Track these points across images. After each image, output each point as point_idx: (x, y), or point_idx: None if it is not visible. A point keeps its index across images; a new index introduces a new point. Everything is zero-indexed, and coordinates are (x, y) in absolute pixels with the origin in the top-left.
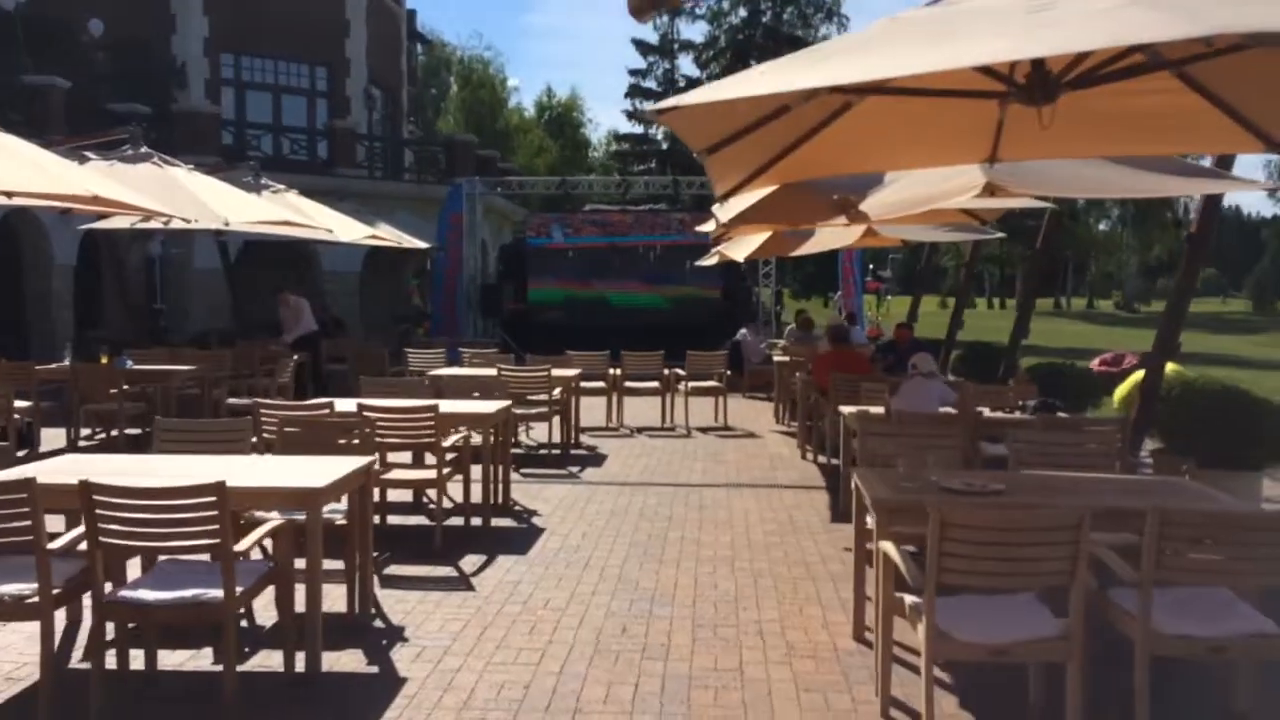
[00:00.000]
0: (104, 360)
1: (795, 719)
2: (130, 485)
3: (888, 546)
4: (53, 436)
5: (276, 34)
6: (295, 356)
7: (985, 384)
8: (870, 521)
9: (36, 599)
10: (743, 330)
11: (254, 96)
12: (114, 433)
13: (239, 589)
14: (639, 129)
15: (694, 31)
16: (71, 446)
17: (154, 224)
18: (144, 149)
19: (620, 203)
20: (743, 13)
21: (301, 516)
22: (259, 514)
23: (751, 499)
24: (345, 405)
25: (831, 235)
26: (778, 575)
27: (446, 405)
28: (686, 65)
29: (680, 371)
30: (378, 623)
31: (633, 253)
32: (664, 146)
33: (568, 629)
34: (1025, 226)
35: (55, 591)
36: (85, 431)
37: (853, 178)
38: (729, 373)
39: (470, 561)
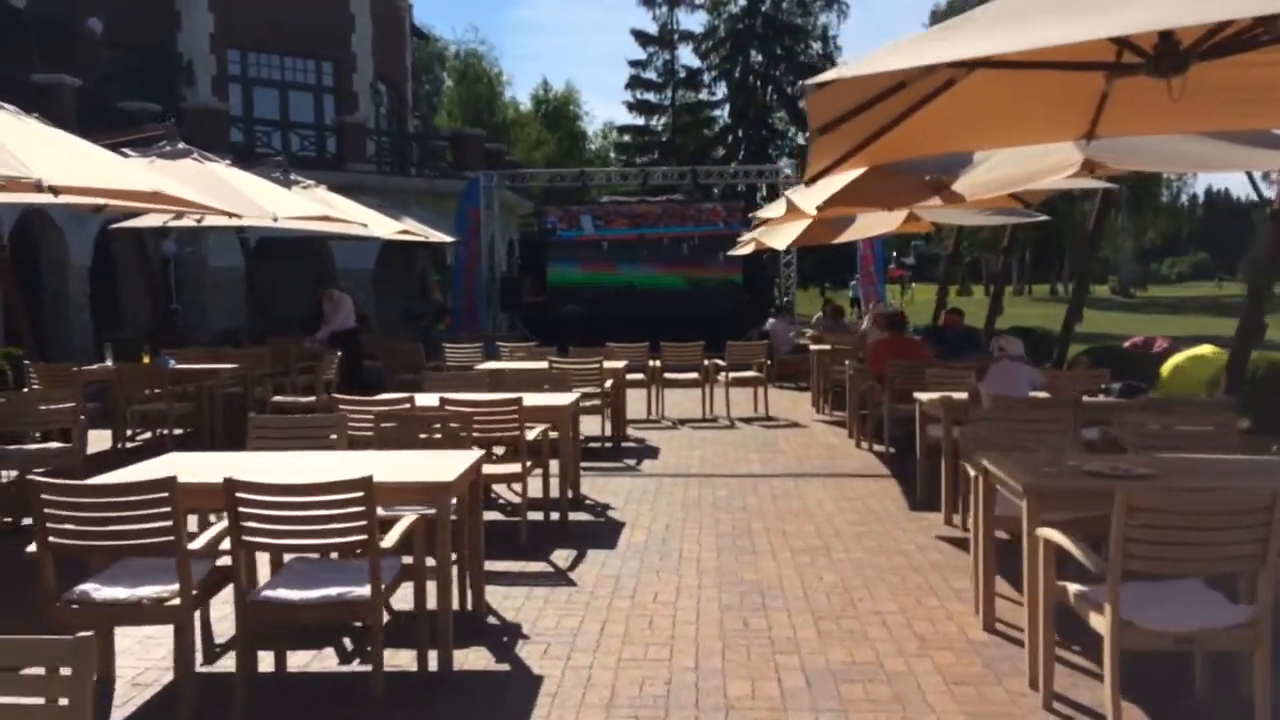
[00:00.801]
0: (145, 360)
1: (953, 713)
2: (275, 483)
3: (1052, 534)
4: (94, 439)
5: (282, 30)
6: (339, 353)
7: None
8: (1010, 509)
9: (177, 601)
10: (771, 319)
11: (261, 93)
12: (162, 432)
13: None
14: (640, 120)
15: (694, 21)
16: (117, 448)
17: (185, 221)
18: (181, 144)
19: (638, 194)
20: (742, 2)
21: (427, 512)
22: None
23: (820, 488)
24: (426, 400)
25: (873, 221)
26: (879, 566)
27: (527, 399)
28: (686, 55)
29: (720, 362)
30: (491, 619)
31: (661, 244)
32: (664, 139)
33: (686, 623)
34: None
35: (192, 593)
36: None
37: (940, 158)
38: (769, 363)
39: (561, 556)
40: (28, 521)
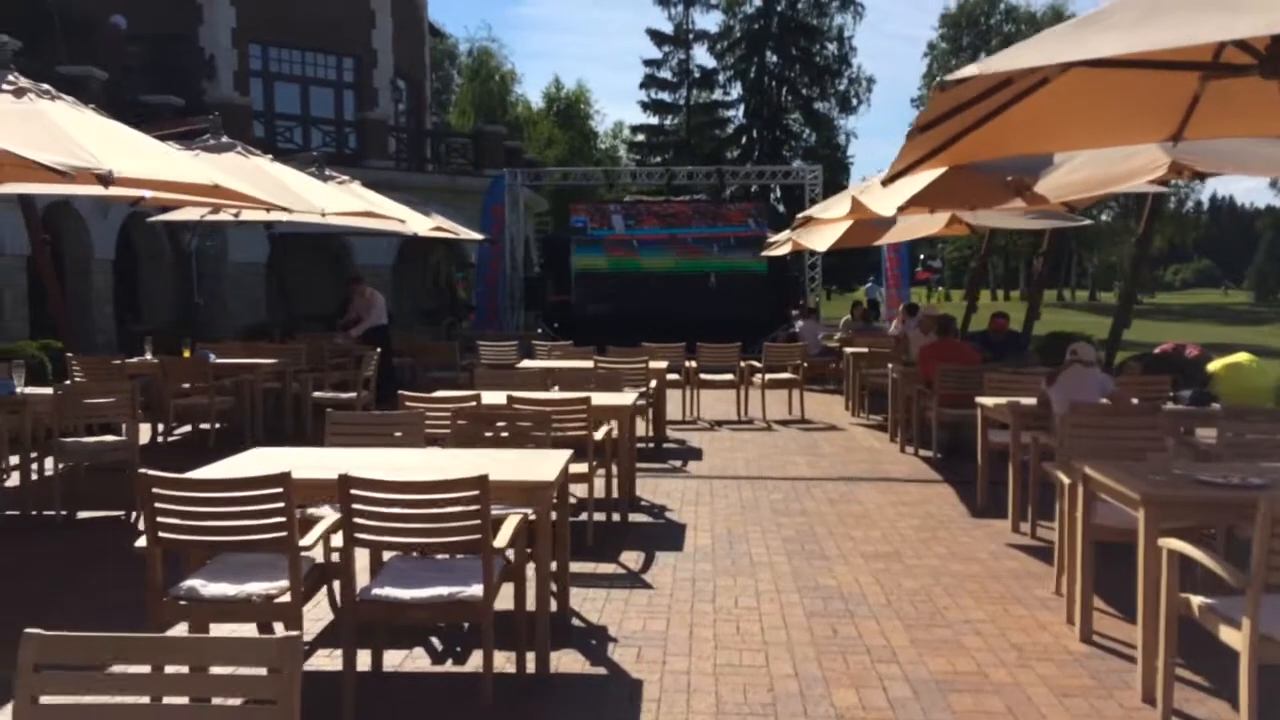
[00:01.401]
0: (186, 354)
1: None
2: (391, 480)
3: (1178, 544)
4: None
5: (304, 25)
6: (378, 349)
7: None
8: (1111, 518)
9: (288, 598)
10: (801, 321)
11: (282, 88)
12: (202, 427)
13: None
14: (654, 120)
15: (709, 21)
16: (157, 442)
17: (222, 215)
18: (225, 138)
19: (660, 193)
20: (757, 2)
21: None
22: None
23: (875, 493)
24: (493, 398)
25: (915, 223)
26: (955, 573)
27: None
28: (701, 55)
29: (756, 364)
30: (576, 621)
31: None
32: (678, 139)
33: (774, 629)
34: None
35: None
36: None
37: (1019, 159)
38: (805, 365)
39: (631, 558)
40: (85, 515)
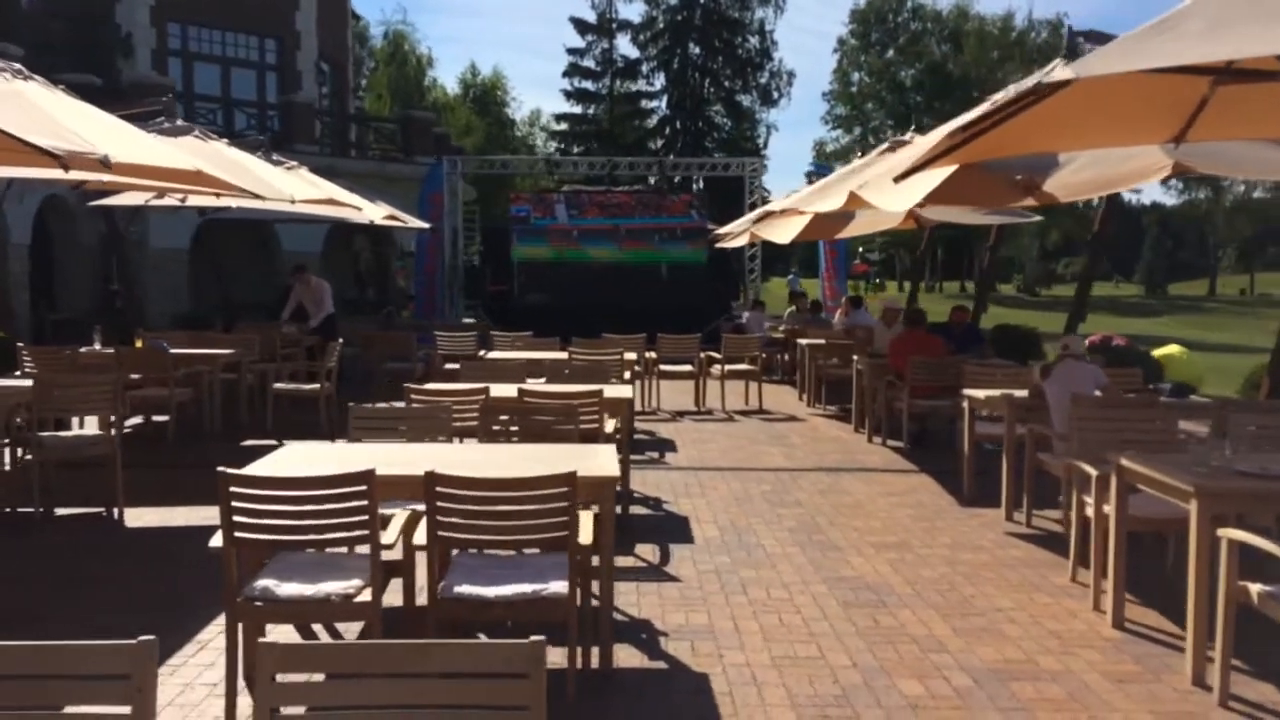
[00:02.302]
0: (138, 344)
1: (1138, 711)
2: (480, 477)
3: (1240, 534)
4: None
5: (225, 4)
6: (340, 340)
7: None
8: (1148, 508)
9: (367, 596)
10: (747, 312)
11: (202, 69)
12: (158, 419)
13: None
14: (578, 109)
15: (632, 11)
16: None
17: (168, 200)
18: (180, 121)
19: (604, 183)
20: None
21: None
22: None
23: (859, 483)
24: (503, 390)
25: (874, 218)
26: (968, 562)
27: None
28: (625, 45)
29: (715, 355)
30: (618, 615)
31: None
32: (598, 126)
33: (815, 620)
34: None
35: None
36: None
37: (1026, 158)
38: (763, 356)
39: (646, 551)
40: (64, 511)
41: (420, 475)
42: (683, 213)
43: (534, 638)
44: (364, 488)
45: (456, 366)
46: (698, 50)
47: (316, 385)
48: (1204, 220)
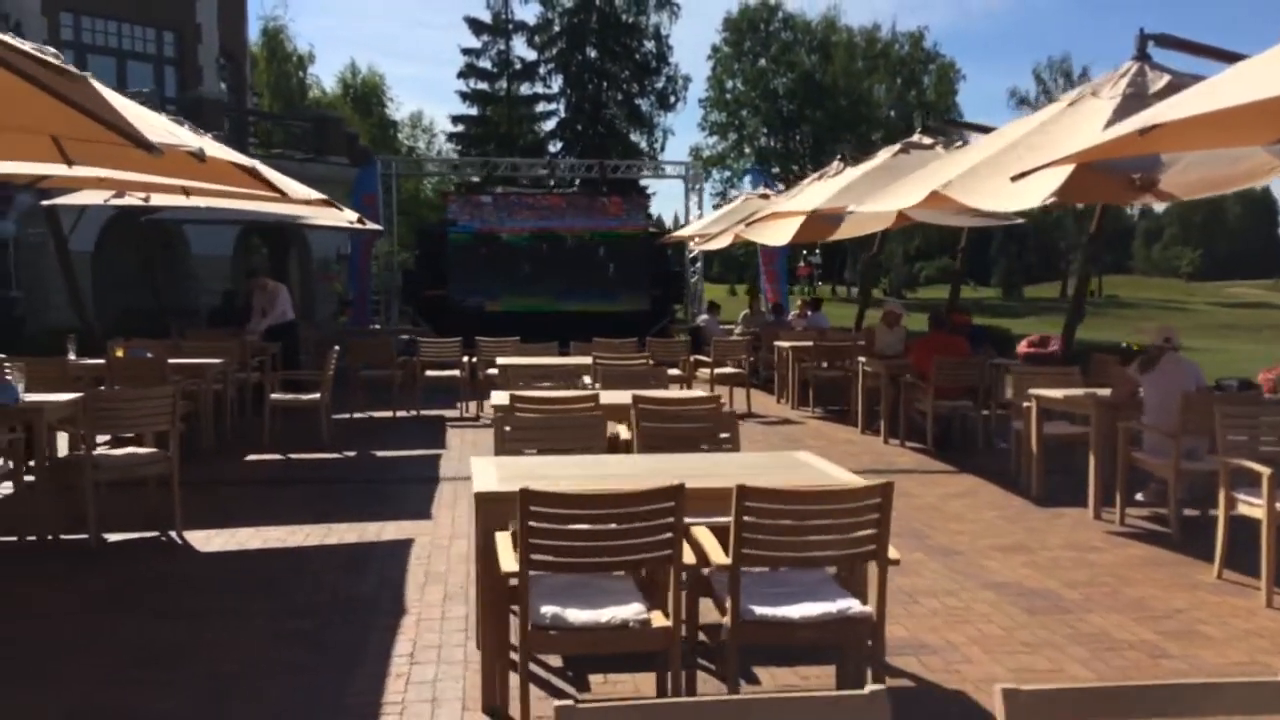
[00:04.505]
0: (119, 353)
1: None
2: (789, 489)
3: None
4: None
5: None
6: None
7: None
8: None
9: (668, 623)
10: (703, 315)
11: (96, 61)
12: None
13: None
14: (474, 111)
15: (527, 12)
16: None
17: (129, 199)
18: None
19: (543, 186)
20: None
21: None
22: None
23: (916, 485)
24: (615, 397)
25: (865, 219)
26: (1105, 564)
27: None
28: (520, 47)
29: (704, 358)
30: None
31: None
32: (496, 128)
33: (1018, 629)
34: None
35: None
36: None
37: (1133, 159)
38: (751, 359)
39: None
40: (117, 537)
41: (728, 487)
42: (618, 215)
43: (873, 687)
44: (672, 504)
45: (495, 372)
46: (595, 53)
47: (316, 395)
48: (1054, 226)
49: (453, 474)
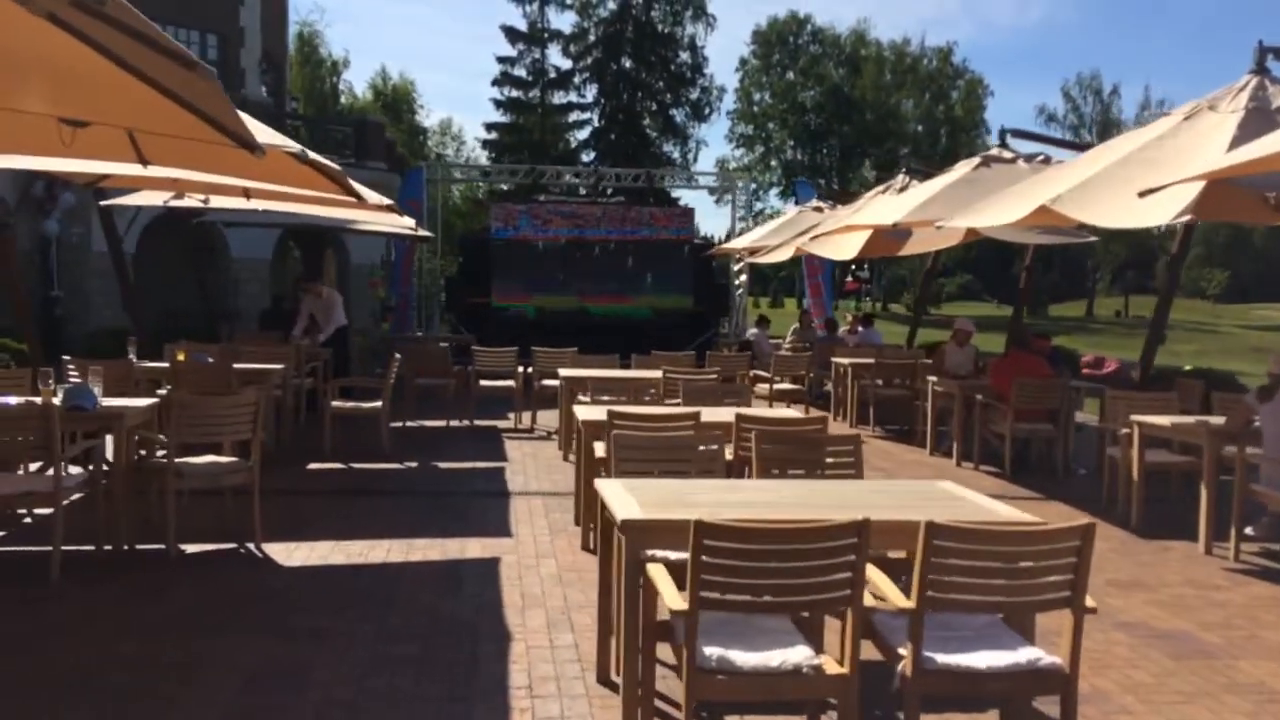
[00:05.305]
0: (181, 356)
1: None
2: (988, 528)
3: None
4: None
5: None
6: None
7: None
8: None
9: (845, 669)
10: (753, 329)
11: None
12: None
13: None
14: (507, 119)
15: (563, 21)
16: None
17: (188, 201)
18: None
19: (592, 195)
20: (612, 5)
21: None
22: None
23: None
24: (717, 414)
25: (932, 235)
26: (1234, 603)
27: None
28: (555, 56)
29: (762, 373)
30: None
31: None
32: (529, 136)
33: (1167, 676)
34: None
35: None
36: None
37: (1264, 176)
38: (810, 375)
39: None
40: (194, 548)
41: (911, 521)
42: (666, 225)
43: None
44: (855, 539)
45: (556, 383)
46: (630, 63)
47: (377, 404)
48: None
49: (520, 488)
